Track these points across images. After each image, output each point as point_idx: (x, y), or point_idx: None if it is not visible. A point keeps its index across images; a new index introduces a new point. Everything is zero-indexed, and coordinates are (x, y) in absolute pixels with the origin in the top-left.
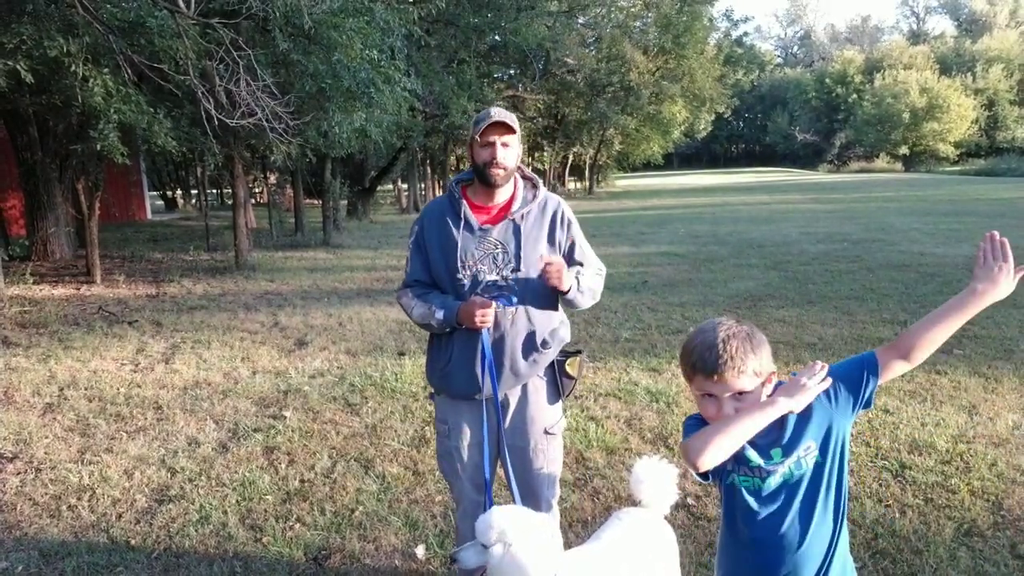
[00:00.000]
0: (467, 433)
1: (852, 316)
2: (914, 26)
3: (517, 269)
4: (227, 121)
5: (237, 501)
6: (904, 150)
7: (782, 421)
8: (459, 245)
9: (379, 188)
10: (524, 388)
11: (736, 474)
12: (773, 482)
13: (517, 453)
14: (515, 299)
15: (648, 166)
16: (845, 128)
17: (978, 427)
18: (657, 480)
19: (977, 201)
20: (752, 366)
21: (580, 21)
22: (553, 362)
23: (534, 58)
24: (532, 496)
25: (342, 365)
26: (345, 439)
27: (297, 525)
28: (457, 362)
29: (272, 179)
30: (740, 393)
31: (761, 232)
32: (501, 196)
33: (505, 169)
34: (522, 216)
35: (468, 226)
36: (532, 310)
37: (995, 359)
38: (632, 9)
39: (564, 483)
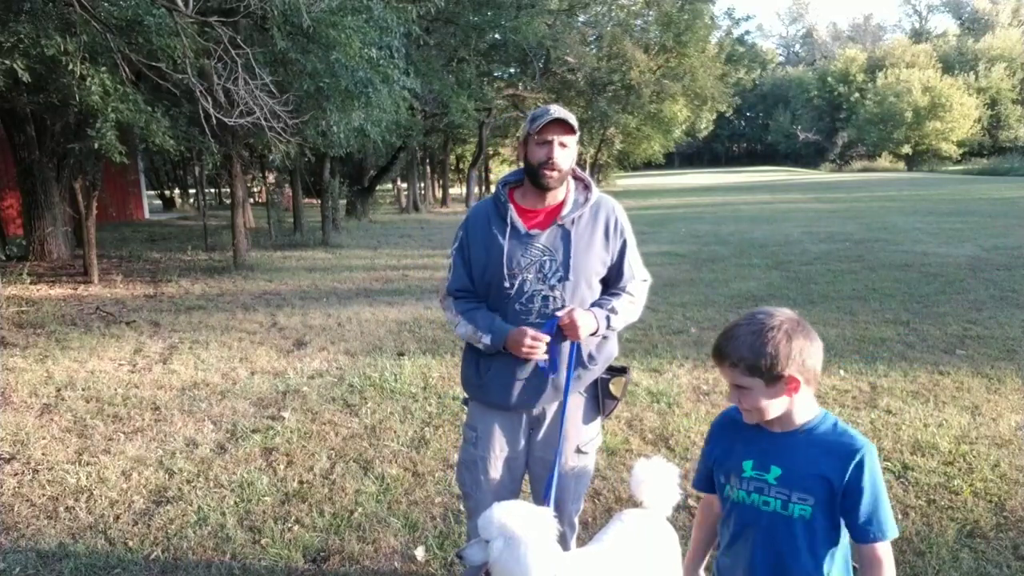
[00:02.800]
0: (497, 444)
1: (854, 316)
2: (916, 25)
3: (565, 278)
4: (225, 120)
5: (235, 502)
6: (907, 149)
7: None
8: (505, 252)
9: (378, 187)
10: (563, 403)
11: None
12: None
13: (545, 467)
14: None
15: (649, 165)
16: (847, 127)
17: (981, 428)
18: (658, 481)
19: (980, 200)
20: (747, 362)
21: (580, 19)
22: (597, 379)
23: (534, 56)
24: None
25: (341, 366)
26: (344, 440)
27: (296, 526)
28: (497, 375)
29: (271, 178)
30: (738, 386)
31: (763, 232)
32: (552, 199)
33: (560, 171)
34: (572, 221)
35: (515, 231)
36: None
37: (998, 359)
38: (633, 7)
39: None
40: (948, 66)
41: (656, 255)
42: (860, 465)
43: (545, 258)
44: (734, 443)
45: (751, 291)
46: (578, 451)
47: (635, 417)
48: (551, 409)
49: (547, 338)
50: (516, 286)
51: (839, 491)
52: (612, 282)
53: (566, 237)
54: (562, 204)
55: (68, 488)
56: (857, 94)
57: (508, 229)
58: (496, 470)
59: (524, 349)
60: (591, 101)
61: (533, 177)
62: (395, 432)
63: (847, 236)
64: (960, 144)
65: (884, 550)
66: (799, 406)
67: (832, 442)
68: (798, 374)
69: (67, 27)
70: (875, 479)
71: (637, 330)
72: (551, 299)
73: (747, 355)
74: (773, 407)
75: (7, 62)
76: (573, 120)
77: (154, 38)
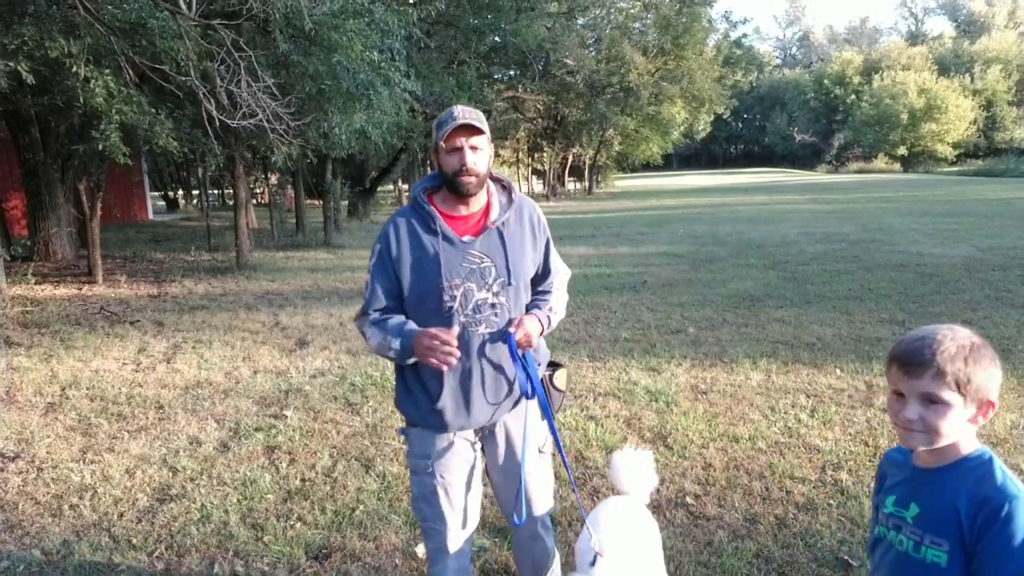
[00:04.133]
0: (455, 469)
1: (850, 316)
2: (912, 27)
3: (508, 283)
4: (228, 122)
5: (238, 500)
6: (902, 151)
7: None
8: (442, 263)
9: (380, 188)
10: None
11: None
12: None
13: (509, 476)
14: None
15: (647, 167)
16: (844, 129)
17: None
18: (636, 469)
19: (975, 201)
20: (958, 375)
21: (580, 22)
22: (542, 377)
23: (534, 59)
24: (531, 523)
25: (343, 365)
26: (346, 438)
27: (298, 524)
28: (453, 395)
29: (273, 180)
30: (932, 400)
31: (760, 232)
32: (475, 204)
33: (477, 176)
34: (503, 224)
35: (448, 240)
36: None
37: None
38: (631, 10)
39: (564, 483)
40: (944, 68)
41: (654, 255)
42: (1007, 518)
43: (484, 265)
44: (889, 475)
45: (748, 291)
46: (540, 452)
47: (633, 416)
48: (505, 417)
49: (453, 336)
50: (459, 297)
51: (971, 540)
52: (540, 280)
53: (501, 241)
54: (488, 207)
55: (72, 486)
56: (853, 96)
57: (440, 239)
58: (459, 496)
59: (433, 358)
60: (590, 103)
61: (452, 186)
62: (396, 430)
63: (843, 237)
64: (956, 146)
65: None
66: (969, 437)
67: (982, 486)
68: (995, 400)
69: (71, 29)
70: (1021, 536)
71: (636, 330)
72: (497, 306)
73: (960, 365)
74: (954, 432)
75: (11, 64)
76: (481, 120)
77: (157, 41)
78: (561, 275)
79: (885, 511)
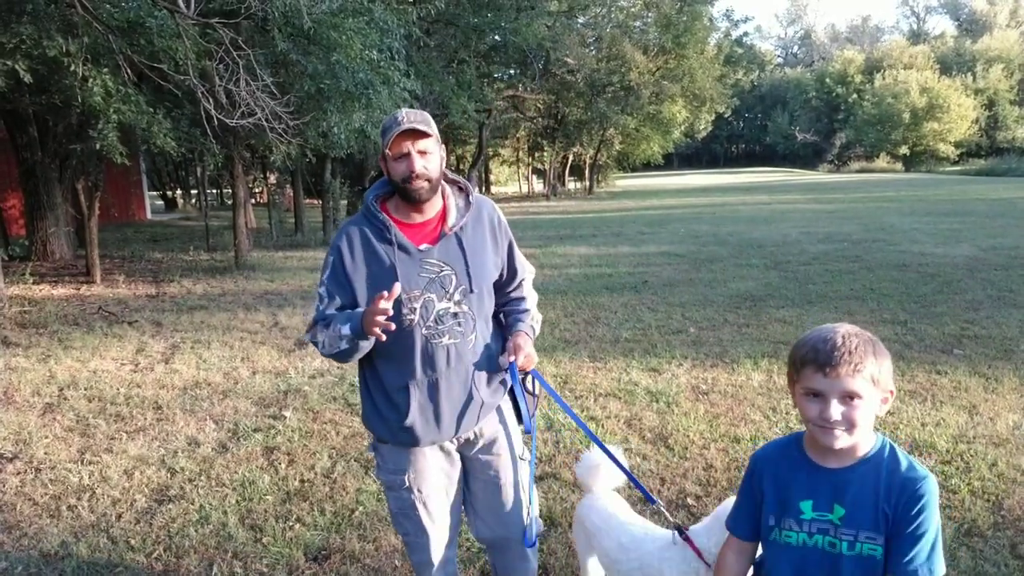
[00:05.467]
0: (432, 481)
1: (852, 316)
2: (914, 26)
3: (470, 291)
4: (227, 121)
5: (237, 501)
6: (904, 150)
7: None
8: (399, 275)
9: None
10: (491, 416)
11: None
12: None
13: (492, 488)
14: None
15: (648, 166)
16: (845, 128)
17: (978, 427)
18: (607, 466)
19: (977, 201)
20: (871, 369)
21: (580, 21)
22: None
23: (534, 58)
24: (504, 530)
25: (342, 365)
26: (345, 439)
27: (297, 525)
28: (421, 410)
29: (272, 179)
30: (851, 396)
31: (761, 232)
32: (430, 210)
33: (429, 181)
34: (462, 228)
35: (403, 250)
36: (487, 332)
37: (995, 359)
38: (632, 9)
39: (564, 482)
40: (946, 67)
41: (655, 255)
42: (927, 499)
43: (444, 273)
44: (786, 482)
45: (749, 291)
46: (520, 459)
47: (634, 416)
48: (480, 426)
49: (390, 300)
50: (419, 310)
51: (893, 526)
52: (506, 283)
53: (460, 247)
54: (444, 212)
55: (70, 487)
56: (855, 95)
57: (395, 249)
58: (439, 507)
59: (370, 324)
60: (590, 102)
61: (403, 194)
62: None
63: (845, 236)
64: (958, 145)
65: None
66: (868, 431)
67: (894, 475)
68: (894, 389)
69: (69, 28)
70: (936, 516)
71: (636, 330)
72: (460, 315)
73: (870, 360)
74: (869, 425)
75: (9, 63)
76: (427, 123)
77: (156, 40)
78: (528, 276)
79: (804, 518)
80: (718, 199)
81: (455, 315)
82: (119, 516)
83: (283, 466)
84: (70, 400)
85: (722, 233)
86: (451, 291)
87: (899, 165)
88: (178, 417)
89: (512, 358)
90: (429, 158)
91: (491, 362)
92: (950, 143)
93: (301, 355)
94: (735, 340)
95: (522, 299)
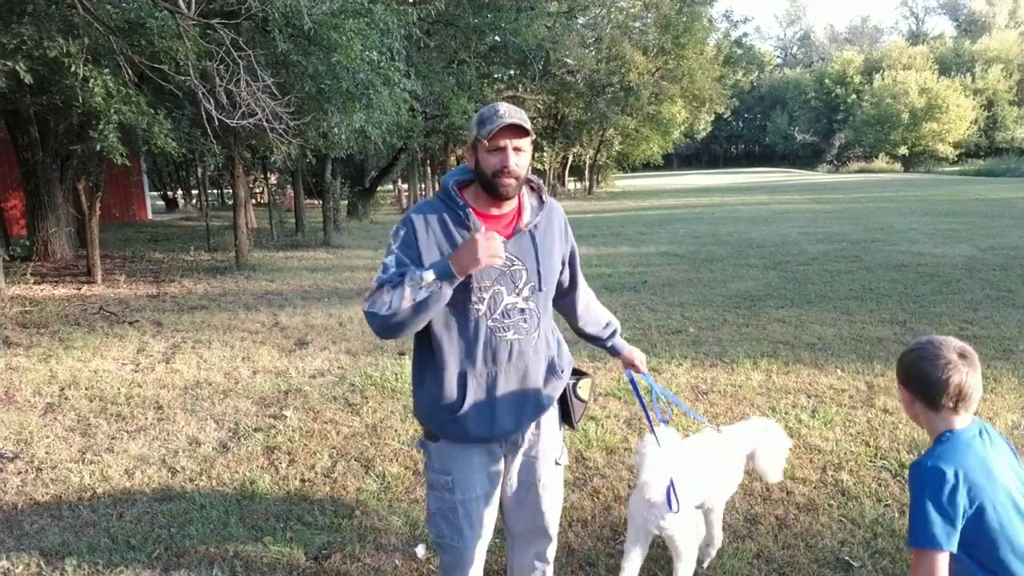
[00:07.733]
0: (477, 485)
1: (851, 316)
2: (913, 26)
3: (539, 289)
4: (227, 121)
5: (238, 500)
6: (903, 150)
7: None
8: None
9: (379, 188)
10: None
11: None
12: None
13: (525, 490)
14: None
15: (648, 166)
16: (844, 128)
17: None
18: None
19: (976, 201)
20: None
21: (580, 22)
22: (566, 387)
23: (534, 59)
24: (535, 535)
25: (342, 365)
26: (345, 439)
27: (297, 524)
28: (476, 403)
29: (272, 179)
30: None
31: (760, 232)
32: (508, 205)
33: (518, 179)
34: (535, 227)
35: None
36: (549, 334)
37: (994, 359)
38: (632, 10)
39: (564, 482)
40: (945, 68)
41: (655, 255)
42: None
43: (515, 268)
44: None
45: (749, 291)
46: (556, 464)
47: (634, 416)
48: (527, 430)
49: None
50: (487, 300)
51: None
52: (568, 291)
53: (533, 245)
54: (520, 209)
55: (71, 487)
56: (854, 96)
57: (471, 235)
58: (478, 512)
59: (485, 254)
60: (590, 102)
61: (489, 186)
62: (396, 431)
63: (844, 237)
64: (957, 145)
65: (917, 556)
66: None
67: None
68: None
69: (69, 29)
70: (911, 491)
71: (635, 330)
72: (527, 312)
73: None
74: None
75: (10, 64)
76: (526, 121)
77: (156, 40)
78: (588, 287)
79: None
80: (717, 199)
81: (522, 311)
82: (120, 515)
83: (284, 466)
84: (71, 400)
85: (721, 233)
86: (520, 286)
87: (898, 165)
88: (179, 417)
89: (634, 369)
90: (522, 156)
91: (549, 363)
92: (949, 143)
93: (301, 355)
94: (734, 340)
95: (608, 315)
